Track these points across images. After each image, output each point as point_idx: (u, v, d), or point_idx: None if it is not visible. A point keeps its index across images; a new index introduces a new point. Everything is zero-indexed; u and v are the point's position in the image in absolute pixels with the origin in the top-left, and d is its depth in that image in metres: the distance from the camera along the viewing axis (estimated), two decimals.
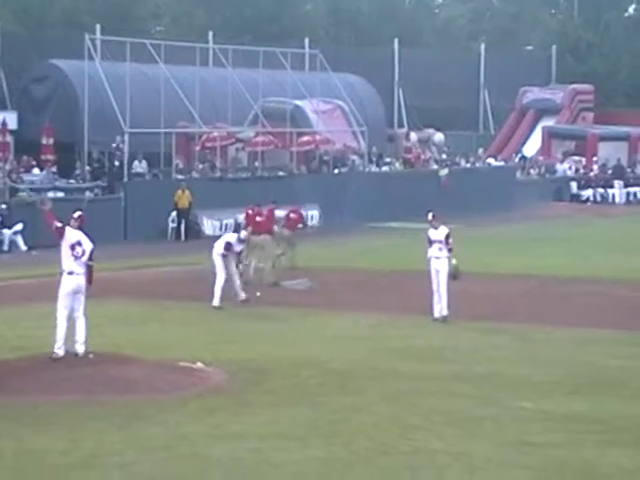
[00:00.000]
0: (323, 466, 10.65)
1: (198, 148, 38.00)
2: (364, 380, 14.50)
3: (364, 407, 13.02)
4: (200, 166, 37.79)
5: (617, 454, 11.15)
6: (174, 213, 34.42)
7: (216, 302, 20.55)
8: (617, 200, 50.04)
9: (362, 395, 13.64)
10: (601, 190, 50.06)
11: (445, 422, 12.36)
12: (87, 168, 35.17)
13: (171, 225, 34.56)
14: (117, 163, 35.43)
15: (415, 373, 14.92)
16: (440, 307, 19.58)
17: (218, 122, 38.12)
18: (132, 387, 13.64)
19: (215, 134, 37.79)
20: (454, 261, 19.71)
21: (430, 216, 20.08)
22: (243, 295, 21.27)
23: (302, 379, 14.47)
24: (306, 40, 47.82)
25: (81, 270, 14.50)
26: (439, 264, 19.67)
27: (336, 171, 41.01)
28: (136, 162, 35.83)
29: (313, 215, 38.30)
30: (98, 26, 40.69)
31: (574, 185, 50.07)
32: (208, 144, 38.09)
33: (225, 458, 10.86)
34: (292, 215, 26.87)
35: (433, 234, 19.93)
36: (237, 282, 21.23)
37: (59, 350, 14.38)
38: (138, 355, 15.20)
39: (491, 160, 49.53)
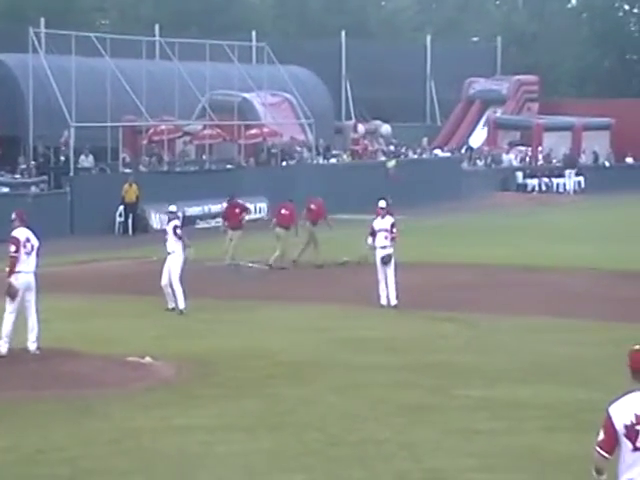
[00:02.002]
0: (271, 458, 10.69)
1: (145, 142, 37.80)
2: (313, 371, 14.55)
3: (313, 398, 13.08)
4: (147, 160, 37.59)
5: (560, 440, 11.32)
6: (121, 207, 34.24)
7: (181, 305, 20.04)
8: (568, 188, 50.66)
9: (311, 386, 13.69)
10: (546, 180, 50.64)
11: (393, 412, 12.46)
12: (32, 163, 34.83)
13: (118, 219, 34.37)
14: (63, 157, 35.13)
15: (364, 363, 15.00)
16: (387, 295, 19.71)
17: (165, 115, 37.94)
18: (80, 382, 13.57)
19: (162, 127, 37.61)
20: (391, 250, 19.90)
21: (383, 203, 20.24)
22: None
23: (251, 371, 14.49)
24: (253, 33, 47.72)
25: (31, 268, 14.38)
26: (385, 253, 19.80)
27: (284, 163, 41.02)
28: (82, 156, 35.56)
29: (261, 207, 38.29)
30: (42, 19, 40.28)
31: (520, 175, 50.59)
32: (155, 137, 37.91)
33: (173, 451, 10.86)
34: (312, 207, 26.47)
35: (378, 223, 20.08)
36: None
37: (2, 348, 14.28)
38: (86, 350, 15.13)
39: (438, 151, 49.83)
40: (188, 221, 35.31)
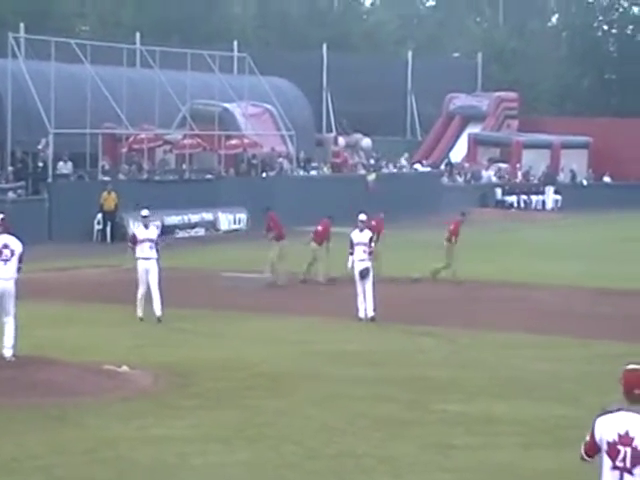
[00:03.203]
0: (248, 470, 10.62)
1: (125, 150, 37.69)
2: (292, 383, 14.50)
3: (291, 411, 13.02)
4: (127, 168, 37.47)
5: (536, 456, 11.32)
6: (100, 215, 34.09)
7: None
8: (548, 206, 50.91)
9: (290, 398, 13.64)
10: (524, 197, 50.87)
11: (371, 425, 12.42)
12: (10, 168, 34.64)
13: (97, 227, 34.24)
14: (41, 163, 34.96)
15: (343, 376, 14.96)
16: (365, 308, 19.70)
17: (145, 124, 37.86)
18: (55, 390, 13.46)
19: (142, 136, 37.51)
20: (369, 263, 19.94)
21: (363, 217, 20.25)
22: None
23: (229, 382, 14.42)
24: (235, 43, 47.74)
25: (8, 275, 14.24)
26: (363, 266, 19.79)
27: (264, 175, 40.99)
28: (61, 163, 35.41)
29: (241, 218, 38.23)
30: (22, 25, 40.13)
31: (499, 191, 50.78)
32: (135, 146, 37.80)
33: (149, 462, 10.77)
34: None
35: (357, 237, 20.09)
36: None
37: None
38: (62, 358, 15.01)
39: (418, 165, 49.96)
40: (167, 230, 35.25)
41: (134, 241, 19.84)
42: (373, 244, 20.26)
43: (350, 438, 11.86)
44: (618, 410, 6.55)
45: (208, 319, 19.80)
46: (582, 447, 6.72)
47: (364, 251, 19.95)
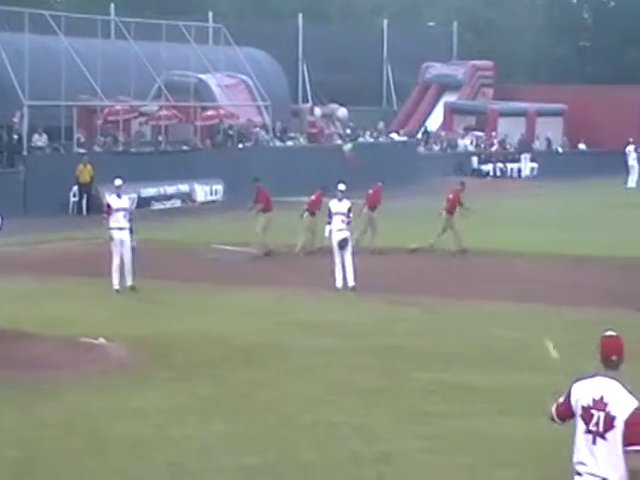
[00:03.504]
0: (225, 440, 10.71)
1: (100, 122, 37.48)
2: (267, 355, 14.57)
3: (267, 381, 13.10)
4: (102, 140, 37.30)
5: (511, 423, 11.45)
6: (75, 187, 33.97)
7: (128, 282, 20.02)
8: (524, 174, 51.05)
9: (265, 369, 13.71)
10: (500, 165, 50.99)
11: (346, 394, 12.52)
12: None
13: (72, 199, 34.11)
14: (16, 136, 34.74)
15: (318, 347, 15.04)
16: (343, 277, 19.76)
17: (120, 95, 37.64)
18: (32, 364, 13.48)
19: (117, 108, 37.32)
20: (348, 234, 20.00)
21: (343, 187, 20.29)
22: None
23: (205, 354, 14.47)
24: (210, 14, 47.46)
25: None
26: (342, 236, 19.85)
27: (240, 145, 40.90)
28: (36, 135, 35.19)
29: (217, 190, 38.18)
30: None
31: (475, 160, 50.87)
32: (110, 118, 37.60)
33: (125, 434, 10.84)
34: (370, 192, 25.99)
35: (335, 206, 20.12)
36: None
37: None
38: (39, 331, 15.02)
39: (394, 135, 49.94)
40: (143, 202, 35.17)
41: (108, 211, 19.91)
42: (351, 215, 20.29)
43: (326, 407, 11.96)
44: (594, 375, 6.67)
45: (184, 292, 19.82)
46: (553, 409, 6.82)
47: (342, 221, 19.99)
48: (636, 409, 6.47)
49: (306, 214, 25.35)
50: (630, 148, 47.88)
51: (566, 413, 6.75)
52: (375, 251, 24.39)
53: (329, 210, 20.22)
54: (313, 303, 18.79)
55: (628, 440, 6.44)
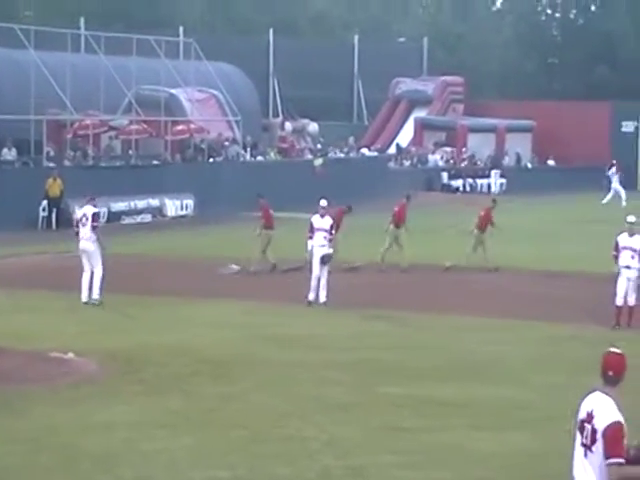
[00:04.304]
0: (195, 455, 10.64)
1: (70, 136, 37.33)
2: (238, 369, 14.51)
3: (237, 395, 13.04)
4: (72, 154, 37.14)
5: (483, 437, 11.45)
6: (45, 202, 33.78)
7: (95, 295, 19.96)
8: (493, 190, 51.28)
9: (236, 383, 13.65)
10: (470, 180, 51.23)
11: (317, 409, 12.49)
12: None
13: (42, 214, 33.90)
14: None
15: (289, 361, 15.00)
16: (316, 293, 19.73)
17: (90, 109, 37.52)
18: (2, 378, 13.36)
19: (87, 122, 37.19)
20: (331, 250, 20.03)
21: (324, 202, 20.27)
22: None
23: (175, 368, 14.40)
24: (180, 28, 47.43)
25: None
26: (323, 252, 19.84)
27: (211, 160, 40.86)
28: (5, 149, 34.99)
29: (188, 204, 38.09)
30: None
31: (445, 175, 51.08)
32: (80, 132, 37.46)
33: (95, 448, 10.74)
34: (396, 209, 25.79)
35: (318, 222, 20.10)
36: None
37: None
38: (8, 346, 14.89)
39: (365, 150, 50.07)
40: (113, 217, 35.01)
41: (77, 224, 19.98)
42: (334, 232, 20.29)
43: (296, 422, 11.92)
44: (594, 390, 6.74)
45: (154, 305, 19.72)
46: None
47: (324, 237, 19.98)
48: (612, 422, 6.52)
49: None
50: (613, 171, 48.09)
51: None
52: (351, 267, 24.18)
53: (311, 225, 20.21)
54: (284, 317, 18.75)
55: (605, 453, 6.52)
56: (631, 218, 18.16)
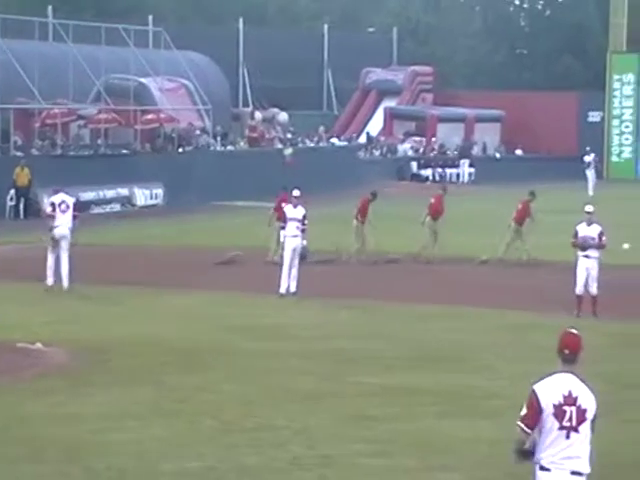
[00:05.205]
0: (165, 445, 10.63)
1: (38, 125, 37.09)
2: (208, 359, 14.50)
3: (207, 385, 13.04)
4: (40, 143, 36.90)
5: (451, 425, 11.52)
6: (13, 191, 33.55)
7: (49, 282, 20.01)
8: (463, 179, 51.48)
9: (206, 374, 13.64)
10: (440, 170, 51.40)
11: (287, 398, 12.51)
12: None
13: (10, 203, 33.68)
14: None
15: (259, 351, 15.01)
16: (288, 284, 19.73)
17: (59, 98, 37.28)
18: None
19: (56, 111, 36.95)
20: (304, 242, 20.01)
21: (297, 192, 20.25)
22: None
23: (144, 358, 14.36)
24: (150, 17, 47.18)
25: None
26: (296, 242, 19.84)
27: (181, 150, 40.73)
28: None
29: (157, 193, 37.97)
30: None
31: (414, 165, 51.21)
32: (48, 121, 37.23)
33: (64, 439, 10.71)
34: (432, 201, 25.53)
35: (291, 212, 20.07)
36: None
37: None
38: None
39: (335, 140, 50.08)
40: (82, 206, 34.79)
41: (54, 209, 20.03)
42: (307, 222, 20.25)
43: (267, 411, 11.94)
44: (553, 374, 6.82)
45: (123, 296, 19.64)
46: (521, 424, 6.81)
47: (297, 227, 19.95)
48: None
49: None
50: (589, 158, 48.24)
51: (537, 419, 6.79)
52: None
53: (284, 215, 20.17)
54: (255, 307, 18.75)
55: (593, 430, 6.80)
56: (589, 208, 18.49)
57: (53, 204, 20.13)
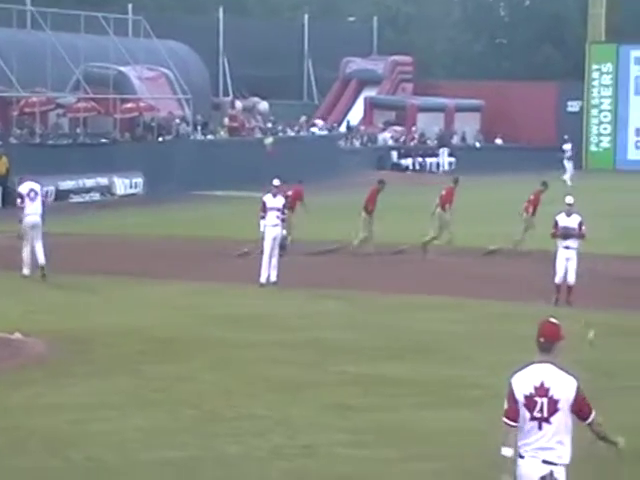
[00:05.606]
0: (146, 435, 10.61)
1: (16, 113, 36.88)
2: (188, 348, 14.48)
3: (188, 375, 13.02)
4: (18, 132, 36.68)
5: (431, 416, 11.55)
6: None
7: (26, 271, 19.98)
8: (442, 168, 51.55)
9: (186, 363, 13.62)
10: (420, 159, 51.46)
11: (268, 388, 12.51)
12: None
13: None
14: None
15: (239, 340, 15.00)
16: (268, 274, 19.72)
17: (37, 87, 37.08)
18: None
19: (34, 99, 36.75)
20: (284, 231, 19.99)
21: (277, 182, 20.21)
22: None
23: (123, 348, 14.33)
24: (129, 6, 46.96)
25: None
26: (276, 232, 19.82)
27: (161, 139, 40.59)
28: None
29: (137, 183, 37.84)
30: None
31: (395, 154, 51.24)
32: (27, 109, 37.02)
33: (44, 430, 10.67)
34: (443, 192, 25.33)
35: (270, 201, 20.03)
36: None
37: None
38: None
39: (315, 129, 50.04)
40: (62, 195, 34.70)
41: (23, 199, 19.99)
42: (286, 210, 20.21)
43: (248, 401, 11.93)
44: (530, 364, 6.80)
45: (103, 285, 19.58)
46: (504, 416, 6.82)
47: (277, 217, 19.93)
48: (576, 388, 6.72)
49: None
50: (567, 147, 48.38)
51: (516, 411, 6.78)
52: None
53: (263, 204, 20.14)
54: (235, 297, 18.72)
55: (584, 415, 6.75)
56: (569, 199, 18.61)
57: (21, 195, 20.07)
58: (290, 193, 24.63)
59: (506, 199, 37.79)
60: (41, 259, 19.72)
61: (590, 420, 6.78)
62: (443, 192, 25.46)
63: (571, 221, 18.22)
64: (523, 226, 24.55)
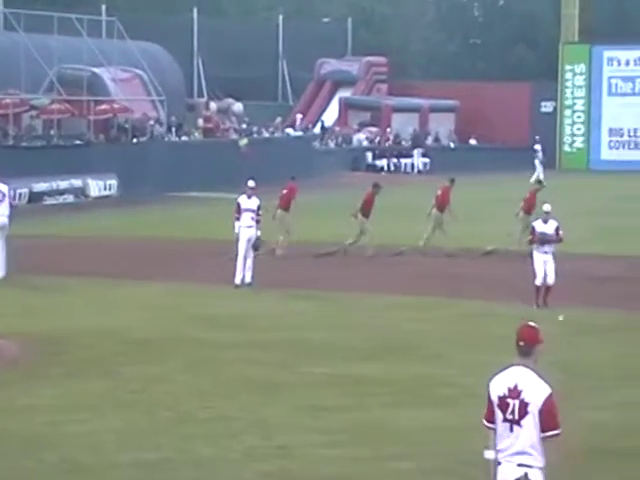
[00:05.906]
0: (121, 437, 10.60)
1: None
2: (163, 349, 14.47)
3: (163, 376, 13.01)
4: None
5: (402, 415, 11.60)
6: None
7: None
8: (416, 169, 51.66)
9: (161, 364, 13.62)
10: (394, 160, 51.56)
11: (242, 389, 12.52)
12: None
13: None
14: None
15: (214, 341, 15.00)
16: (243, 275, 19.72)
17: (10, 89, 36.89)
18: None
19: (7, 101, 36.57)
20: (258, 232, 20.00)
21: (252, 183, 20.19)
22: None
23: (99, 350, 14.30)
24: (103, 7, 46.79)
25: None
26: (250, 233, 19.82)
27: (135, 140, 40.48)
28: None
29: (111, 184, 37.72)
30: None
31: (369, 155, 51.32)
32: (0, 111, 36.83)
33: (18, 432, 10.63)
34: (439, 192, 25.28)
35: (245, 202, 20.04)
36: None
37: None
38: None
39: (290, 130, 50.05)
40: (35, 197, 34.54)
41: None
42: (261, 212, 20.18)
43: (222, 402, 11.94)
44: (510, 366, 6.84)
45: (76, 286, 19.51)
46: (484, 417, 6.87)
47: (252, 218, 19.93)
48: (547, 396, 6.68)
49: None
50: (538, 147, 48.61)
51: (493, 414, 6.82)
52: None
53: (238, 206, 20.13)
54: (210, 298, 18.71)
55: (544, 426, 6.66)
56: (547, 207, 18.77)
57: None
58: (285, 192, 24.71)
59: (480, 199, 37.99)
60: (1, 270, 19.61)
61: (548, 435, 6.65)
62: (439, 192, 25.50)
63: (548, 227, 18.47)
64: (520, 226, 24.47)
